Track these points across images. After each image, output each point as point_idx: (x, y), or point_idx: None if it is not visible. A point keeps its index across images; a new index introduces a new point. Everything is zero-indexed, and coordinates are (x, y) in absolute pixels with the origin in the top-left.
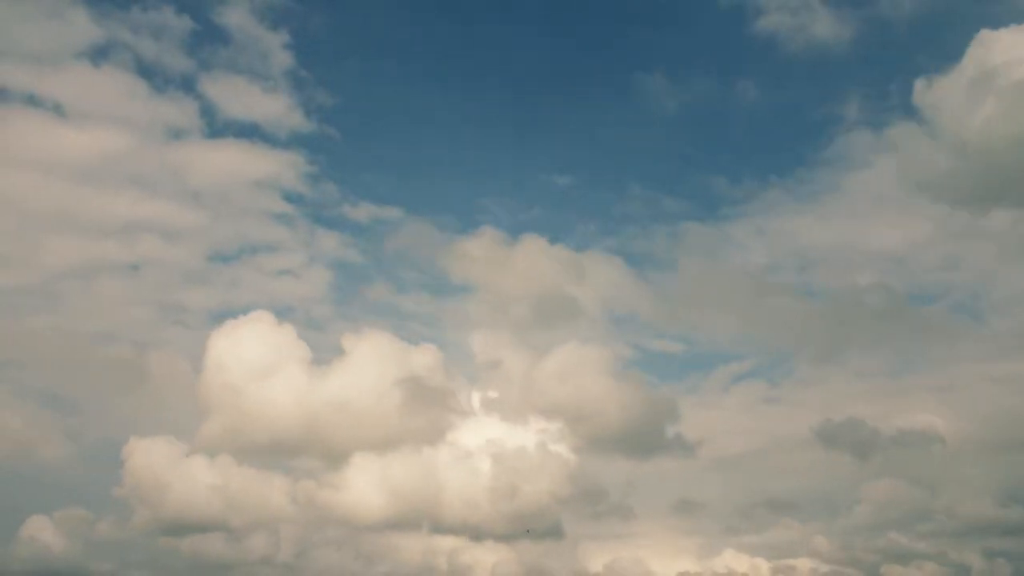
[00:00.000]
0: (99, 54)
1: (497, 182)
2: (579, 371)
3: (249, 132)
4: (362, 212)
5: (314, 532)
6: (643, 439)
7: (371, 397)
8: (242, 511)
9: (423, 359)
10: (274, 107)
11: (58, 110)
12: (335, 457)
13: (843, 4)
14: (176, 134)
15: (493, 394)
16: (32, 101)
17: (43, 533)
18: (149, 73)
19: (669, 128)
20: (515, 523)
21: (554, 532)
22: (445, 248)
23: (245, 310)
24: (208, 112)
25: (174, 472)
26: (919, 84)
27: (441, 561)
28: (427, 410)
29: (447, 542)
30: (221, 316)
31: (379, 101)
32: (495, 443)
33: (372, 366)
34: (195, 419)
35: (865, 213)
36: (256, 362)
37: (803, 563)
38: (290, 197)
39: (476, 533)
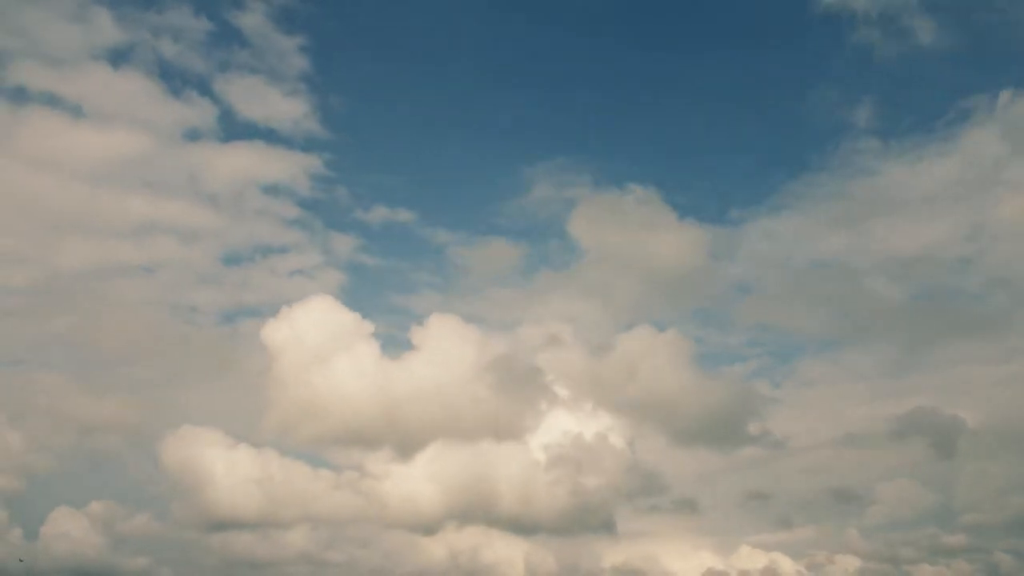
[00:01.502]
0: (118, 56)
1: (509, 185)
2: (651, 363)
3: (265, 135)
4: (375, 215)
5: (360, 529)
6: (722, 433)
7: (433, 389)
8: (284, 505)
9: (497, 350)
10: (289, 110)
11: (77, 111)
12: (386, 449)
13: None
14: (193, 136)
15: (559, 390)
16: (52, 101)
17: (75, 526)
18: (167, 75)
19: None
20: (569, 517)
21: (606, 526)
22: (459, 248)
23: (258, 311)
24: (224, 115)
25: (217, 465)
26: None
27: (481, 556)
28: (493, 403)
29: (486, 537)
30: (234, 316)
31: (393, 105)
32: (557, 437)
33: (442, 356)
34: (238, 411)
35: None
36: (320, 349)
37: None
38: (304, 199)
39: (527, 528)
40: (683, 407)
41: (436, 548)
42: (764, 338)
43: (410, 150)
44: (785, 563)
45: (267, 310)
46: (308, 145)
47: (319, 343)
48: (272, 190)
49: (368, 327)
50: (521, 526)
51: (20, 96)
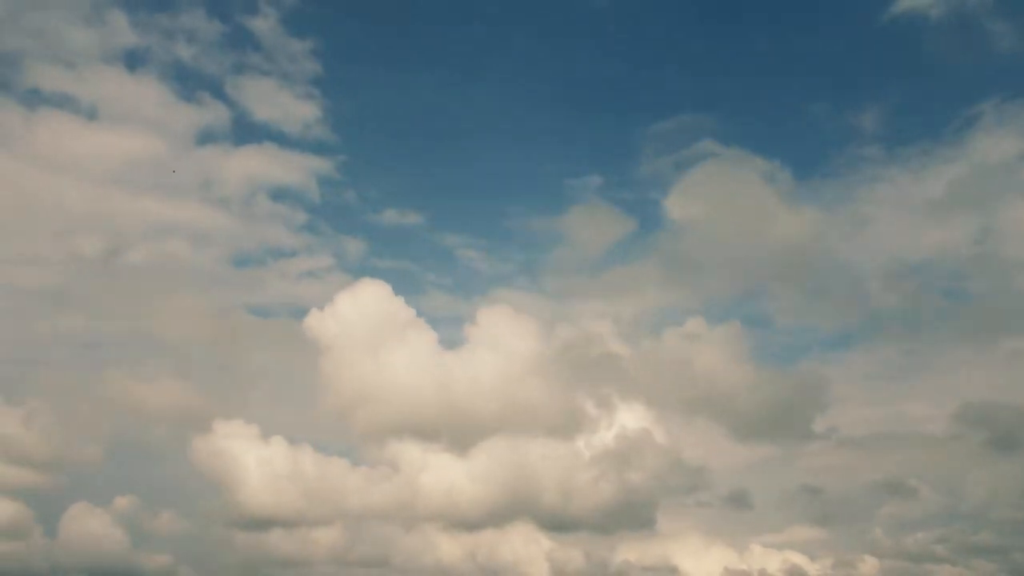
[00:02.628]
0: (133, 58)
1: (522, 187)
2: (701, 355)
3: (276, 138)
4: (385, 217)
5: (397, 527)
6: (773, 429)
7: (476, 385)
8: (318, 502)
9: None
10: (301, 114)
11: (91, 113)
12: (425, 443)
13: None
14: (205, 139)
15: (607, 385)
16: (66, 103)
17: (98, 522)
18: (181, 78)
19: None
20: (610, 515)
21: (647, 523)
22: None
23: (268, 312)
24: (237, 118)
25: (249, 461)
26: None
27: (517, 553)
28: (539, 398)
29: (524, 534)
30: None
31: (406, 108)
32: (603, 433)
33: (496, 348)
34: (275, 405)
35: None
36: (369, 340)
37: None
38: (315, 202)
39: (568, 525)
40: (735, 402)
41: (474, 545)
42: (774, 339)
43: (421, 153)
44: (814, 563)
45: (278, 313)
46: (319, 148)
47: (368, 333)
48: (283, 193)
49: (420, 319)
50: (562, 523)
51: (35, 98)
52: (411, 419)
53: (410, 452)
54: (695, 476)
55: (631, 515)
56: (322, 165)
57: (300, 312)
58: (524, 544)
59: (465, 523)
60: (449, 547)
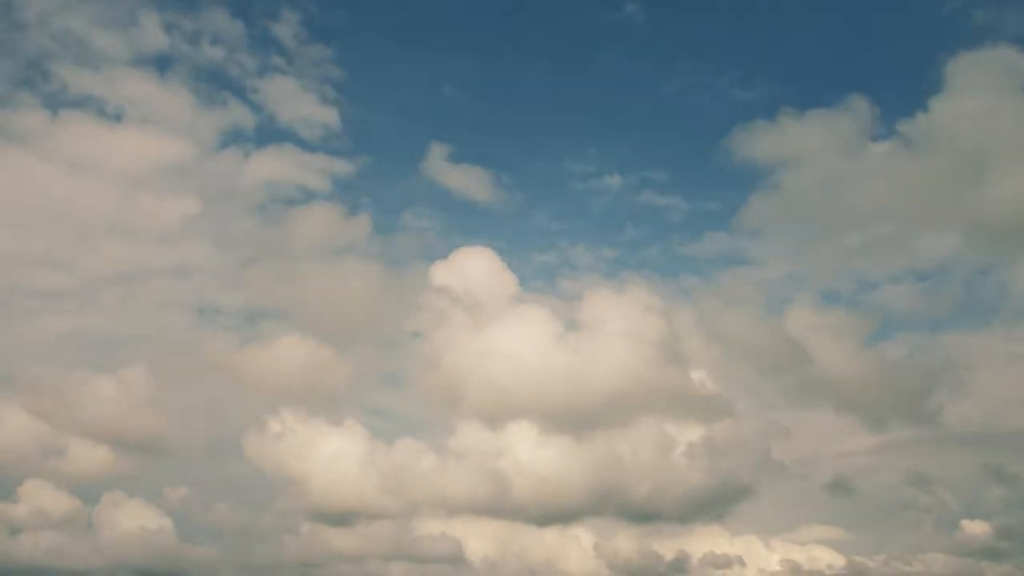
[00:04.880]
0: (161, 61)
1: (540, 189)
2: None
3: (298, 141)
4: (405, 219)
5: (471, 520)
6: (894, 414)
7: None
8: (379, 493)
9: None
10: (322, 118)
11: (116, 115)
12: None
13: None
14: (228, 141)
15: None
16: (92, 105)
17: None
18: (205, 79)
19: None
20: (689, 507)
21: (719, 516)
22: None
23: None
24: (259, 121)
25: (315, 451)
26: None
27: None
28: (627, 387)
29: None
30: (256, 318)
31: (424, 112)
32: (706, 418)
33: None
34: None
35: None
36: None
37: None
38: (334, 206)
39: (647, 517)
40: (852, 389)
41: (552, 537)
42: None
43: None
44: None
45: None
46: (340, 152)
47: (470, 307)
48: (303, 196)
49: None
50: (645, 514)
51: (60, 99)
52: (503, 404)
53: (495, 438)
54: (796, 467)
55: (717, 505)
56: (343, 168)
57: None
58: (598, 536)
59: (547, 514)
60: (530, 539)
